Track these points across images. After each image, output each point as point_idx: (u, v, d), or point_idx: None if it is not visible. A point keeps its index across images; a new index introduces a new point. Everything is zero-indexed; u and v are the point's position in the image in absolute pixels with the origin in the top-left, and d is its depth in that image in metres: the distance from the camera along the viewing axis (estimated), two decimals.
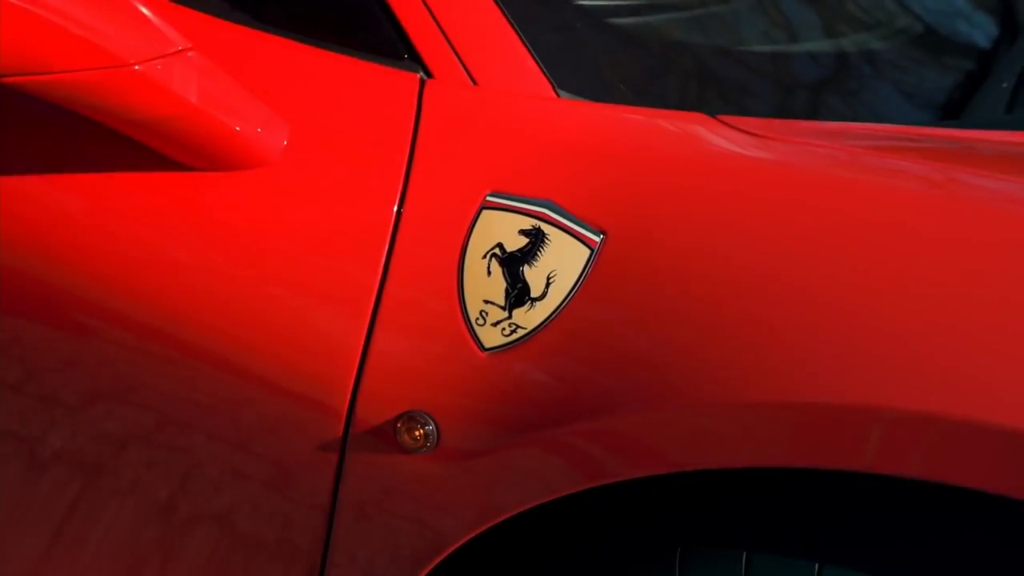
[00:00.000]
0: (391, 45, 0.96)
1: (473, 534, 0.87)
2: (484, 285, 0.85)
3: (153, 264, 0.92)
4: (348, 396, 0.88)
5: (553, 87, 0.96)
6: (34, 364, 0.98)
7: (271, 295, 0.90)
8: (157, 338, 0.93)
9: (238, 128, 0.87)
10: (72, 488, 1.03)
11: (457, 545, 0.88)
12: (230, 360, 0.91)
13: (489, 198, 0.87)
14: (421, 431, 0.85)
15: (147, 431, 0.97)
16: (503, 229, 0.86)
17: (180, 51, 0.81)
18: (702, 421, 0.78)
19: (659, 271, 0.81)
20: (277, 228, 0.90)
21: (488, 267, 0.85)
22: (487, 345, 0.84)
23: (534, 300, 0.84)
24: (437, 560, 0.90)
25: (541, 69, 0.97)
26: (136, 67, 0.79)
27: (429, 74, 0.95)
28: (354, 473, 0.90)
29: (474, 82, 0.95)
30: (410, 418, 0.86)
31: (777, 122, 1.04)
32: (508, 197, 0.87)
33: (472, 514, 0.88)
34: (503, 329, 0.84)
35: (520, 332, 0.84)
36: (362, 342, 0.87)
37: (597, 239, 0.84)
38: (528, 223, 0.86)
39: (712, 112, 0.99)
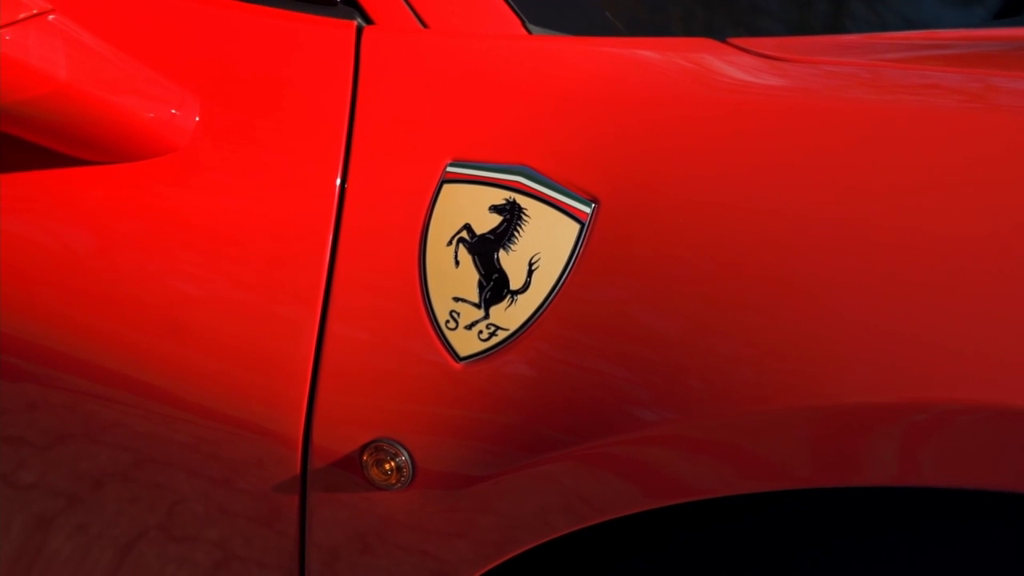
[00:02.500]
0: None
1: None
2: (452, 279, 0.68)
3: (63, 294, 0.76)
4: (301, 425, 0.72)
5: (523, 22, 0.79)
6: None
7: (203, 320, 0.73)
8: (107, 379, 0.77)
9: (128, 106, 0.70)
10: (50, 517, 0.88)
11: None
12: (175, 394, 0.76)
13: (450, 168, 0.69)
14: (391, 464, 0.69)
15: (124, 468, 0.81)
16: (470, 206, 0.68)
17: (37, 15, 0.63)
18: (742, 436, 0.61)
19: (667, 245, 0.64)
20: (192, 229, 0.73)
21: (455, 256, 0.68)
22: (462, 353, 0.68)
23: (515, 293, 0.67)
24: None
25: (507, 1, 0.78)
26: None
27: (368, 19, 0.77)
28: (320, 515, 0.75)
29: (424, 24, 0.77)
30: (377, 449, 0.69)
31: (795, 40, 0.86)
32: (473, 166, 0.70)
33: (469, 554, 0.72)
34: (480, 332, 0.67)
35: (501, 335, 0.67)
36: (310, 359, 0.71)
37: (587, 210, 0.66)
38: (500, 197, 0.68)
39: (721, 36, 0.80)
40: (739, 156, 0.66)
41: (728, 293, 0.62)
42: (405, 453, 0.69)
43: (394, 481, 0.70)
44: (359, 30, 0.76)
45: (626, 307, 0.65)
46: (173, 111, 0.74)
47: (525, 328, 0.67)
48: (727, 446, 0.63)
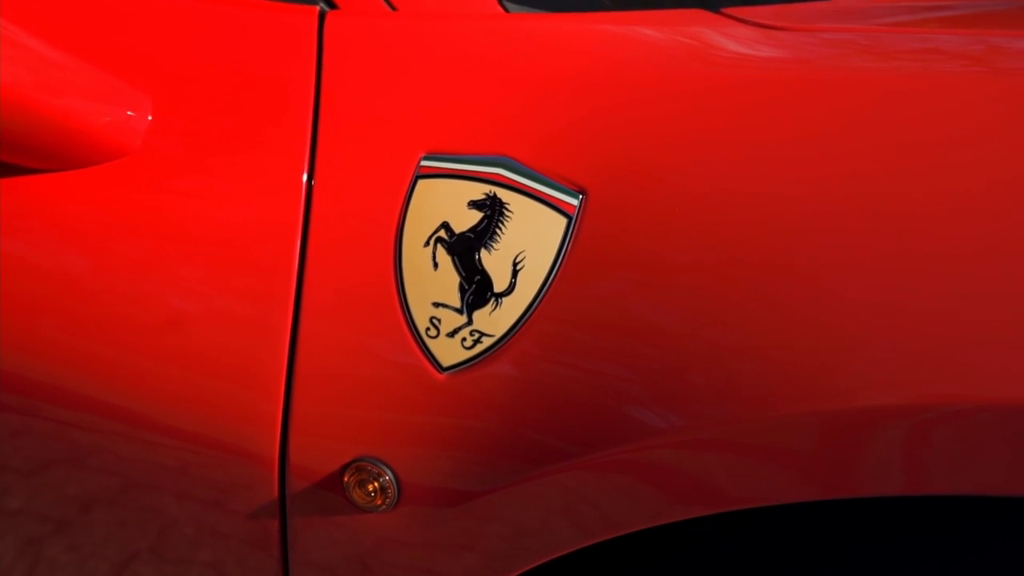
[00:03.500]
0: None
1: None
2: (431, 282, 0.62)
3: (22, 315, 0.70)
4: (277, 443, 0.67)
5: (499, 0, 0.73)
6: None
7: (171, 334, 0.68)
8: (79, 401, 0.72)
9: (73, 110, 0.64)
10: (39, 539, 0.83)
11: None
12: (149, 414, 0.71)
13: (424, 162, 0.64)
14: (375, 484, 0.64)
15: (112, 493, 0.76)
16: (447, 203, 0.63)
17: None
18: (755, 440, 0.56)
19: (663, 236, 0.58)
20: (150, 238, 0.67)
21: (433, 257, 0.63)
22: (445, 363, 0.62)
23: (499, 296, 0.61)
24: None
25: None
26: None
27: (332, 4, 0.71)
28: (302, 540, 0.70)
29: (392, 7, 0.71)
30: (359, 469, 0.64)
31: (791, 8, 0.81)
32: (449, 158, 0.64)
33: (478, 568, 0.67)
34: (463, 340, 0.62)
35: (486, 341, 0.61)
36: (283, 373, 0.65)
37: (575, 202, 0.61)
38: (479, 191, 0.63)
39: (714, 6, 0.74)
40: (738, 136, 0.60)
41: (730, 283, 0.57)
42: (389, 472, 0.64)
43: (379, 503, 0.65)
44: (322, 15, 0.70)
45: (621, 304, 0.60)
46: (124, 112, 0.68)
47: (512, 333, 0.61)
48: (753, 448, 0.58)
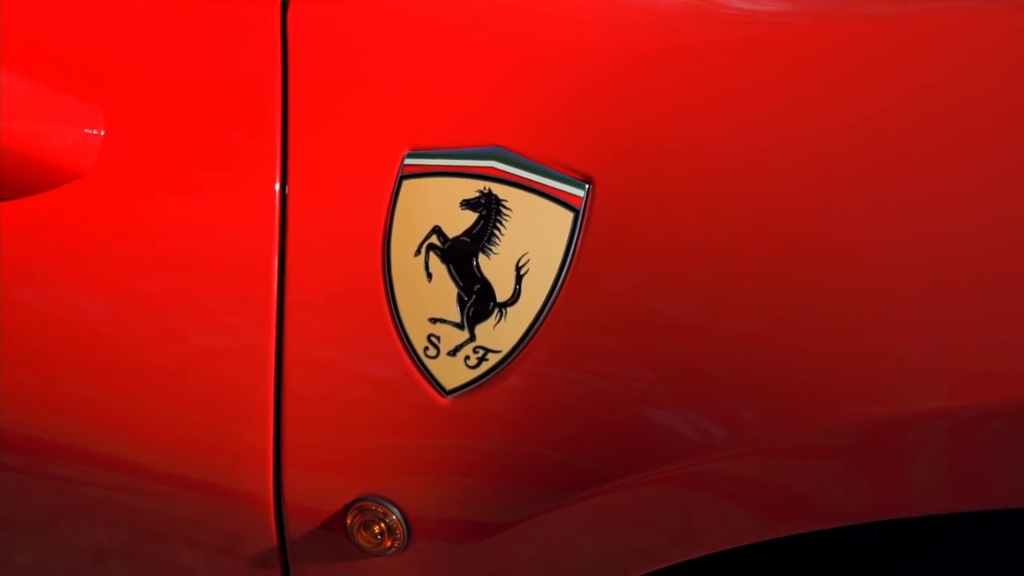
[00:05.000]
0: None
1: None
2: (426, 296, 0.55)
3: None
4: (270, 482, 0.60)
5: None
6: None
7: (153, 374, 0.61)
8: (75, 453, 0.66)
9: (17, 132, 0.57)
10: None
11: None
12: (141, 461, 0.64)
13: (408, 160, 0.57)
14: (381, 525, 0.57)
15: (123, 544, 0.69)
16: (437, 205, 0.56)
17: None
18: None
19: (681, 220, 0.51)
20: (115, 266, 0.60)
21: (426, 267, 0.55)
22: (448, 386, 0.55)
23: (503, 306, 0.54)
24: None
25: None
26: None
27: None
28: None
29: None
30: (362, 509, 0.57)
31: None
32: (436, 154, 0.57)
33: None
34: (466, 358, 0.55)
35: (493, 358, 0.54)
36: (270, 403, 0.58)
37: (580, 193, 0.53)
38: (472, 189, 0.55)
39: None
40: (753, 102, 0.52)
41: (761, 265, 0.49)
42: (395, 511, 0.57)
43: (388, 545, 0.58)
44: (284, 5, 0.63)
45: (641, 299, 0.52)
46: (75, 130, 0.61)
47: (521, 347, 0.54)
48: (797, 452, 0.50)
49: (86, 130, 0.62)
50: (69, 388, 0.63)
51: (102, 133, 0.62)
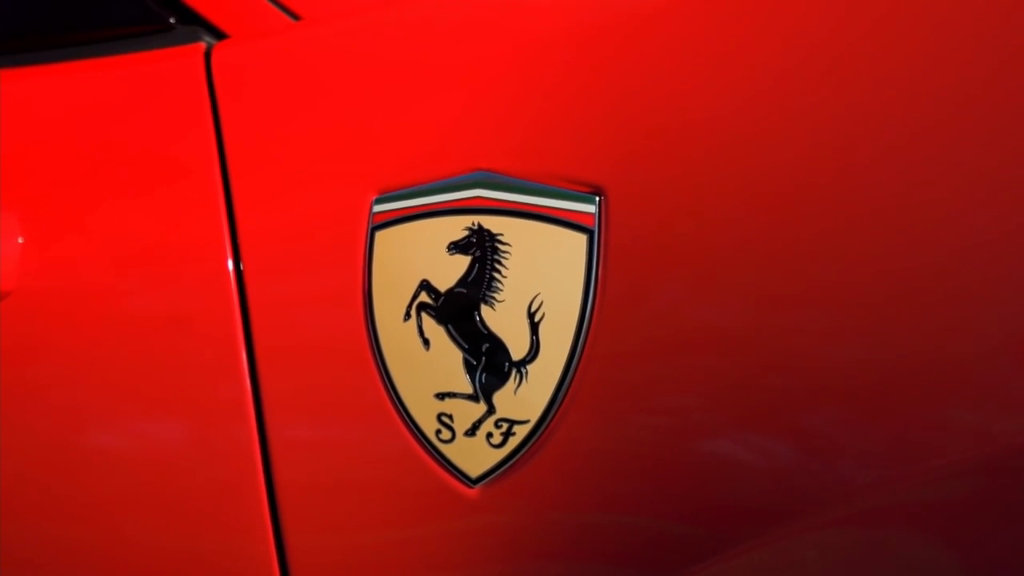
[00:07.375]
0: (142, 11, 0.55)
1: None
2: (427, 369, 0.45)
3: None
4: None
5: None
6: None
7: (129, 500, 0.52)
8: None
9: None
10: None
11: None
12: None
13: (378, 207, 0.46)
14: None
15: None
16: (420, 254, 0.45)
17: None
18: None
19: (713, 217, 0.40)
20: (65, 379, 0.51)
21: (420, 332, 0.45)
22: (475, 474, 0.44)
23: (521, 364, 0.43)
24: None
25: None
26: None
27: (219, 34, 0.54)
28: None
29: (295, 16, 0.54)
30: None
31: None
32: (409, 193, 0.46)
33: None
34: (488, 436, 0.44)
35: (520, 430, 0.43)
36: (267, 515, 0.48)
37: (591, 209, 0.42)
38: (458, 227, 0.45)
39: None
40: (772, 70, 0.41)
41: (805, 251, 0.38)
42: None
43: None
44: (208, 52, 0.53)
45: (683, 314, 0.42)
46: None
47: (554, 409, 0.43)
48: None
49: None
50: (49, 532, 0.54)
51: (21, 240, 0.52)
